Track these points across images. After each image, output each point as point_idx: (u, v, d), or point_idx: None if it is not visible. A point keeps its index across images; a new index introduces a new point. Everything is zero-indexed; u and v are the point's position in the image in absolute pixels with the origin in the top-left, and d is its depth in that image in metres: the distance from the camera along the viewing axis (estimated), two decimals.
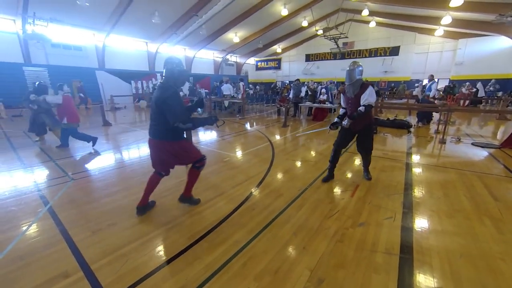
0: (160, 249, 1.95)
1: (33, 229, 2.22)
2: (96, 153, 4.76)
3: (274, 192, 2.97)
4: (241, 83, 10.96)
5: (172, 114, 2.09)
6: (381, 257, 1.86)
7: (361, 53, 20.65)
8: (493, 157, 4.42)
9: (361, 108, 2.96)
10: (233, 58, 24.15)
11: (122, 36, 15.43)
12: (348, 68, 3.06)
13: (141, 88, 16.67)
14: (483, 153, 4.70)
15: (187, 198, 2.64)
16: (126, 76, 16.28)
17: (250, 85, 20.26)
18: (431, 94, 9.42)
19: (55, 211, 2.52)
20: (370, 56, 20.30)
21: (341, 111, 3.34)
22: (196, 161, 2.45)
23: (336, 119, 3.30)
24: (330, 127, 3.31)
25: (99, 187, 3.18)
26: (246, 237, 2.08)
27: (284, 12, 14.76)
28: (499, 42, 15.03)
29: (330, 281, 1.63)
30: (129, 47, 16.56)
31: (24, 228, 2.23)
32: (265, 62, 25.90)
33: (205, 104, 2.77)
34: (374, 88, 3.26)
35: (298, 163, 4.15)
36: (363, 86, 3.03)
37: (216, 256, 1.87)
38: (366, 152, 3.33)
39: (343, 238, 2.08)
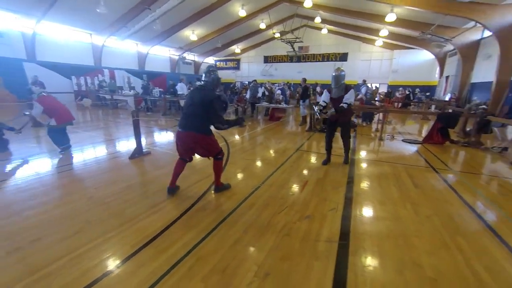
0: (97, 262, 1.77)
1: None
2: (22, 159, 4.08)
3: (227, 191, 2.97)
4: (198, 83, 10.66)
5: (216, 116, 2.55)
6: (323, 246, 2.02)
7: (315, 57, 22.06)
8: (417, 152, 5.20)
9: (344, 105, 3.70)
10: (190, 57, 23.34)
11: (58, 24, 13.53)
12: (334, 74, 3.78)
13: (85, 85, 14.89)
14: (410, 148, 5.49)
15: (219, 187, 2.96)
16: (66, 70, 14.33)
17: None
18: (359, 96, 10.80)
19: None
20: (323, 60, 21.84)
21: (322, 103, 4.01)
22: (217, 153, 2.79)
23: (321, 107, 4.04)
24: (321, 112, 4.17)
25: (21, 199, 2.71)
26: (195, 239, 2.04)
27: (242, 13, 14.86)
28: (423, 55, 17.79)
29: (275, 273, 1.71)
30: (69, 38, 14.60)
31: None
32: (224, 62, 25.70)
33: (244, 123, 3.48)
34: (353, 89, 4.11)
35: (253, 162, 4.23)
36: (347, 88, 3.81)
37: (162, 261, 1.78)
38: (346, 138, 4.15)
39: (290, 232, 2.19)
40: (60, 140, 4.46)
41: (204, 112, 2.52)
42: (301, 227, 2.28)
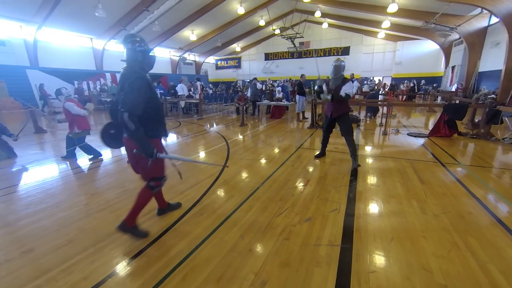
0: (87, 274, 1.70)
1: None
2: (22, 166, 4.07)
3: (225, 194, 2.89)
4: (198, 83, 10.60)
5: (125, 99, 1.69)
6: (324, 250, 1.92)
7: (316, 52, 21.77)
8: (423, 145, 5.02)
9: (342, 93, 3.55)
10: (191, 57, 23.30)
11: (59, 30, 13.62)
12: (334, 64, 3.66)
13: (87, 90, 14.99)
14: (415, 142, 5.31)
15: (128, 227, 2.01)
16: (68, 76, 14.44)
17: (210, 85, 19.79)
18: (354, 91, 10.63)
19: None
20: (324, 55, 21.55)
21: (317, 88, 3.91)
22: (153, 178, 2.04)
23: (316, 90, 3.92)
24: (317, 94, 3.93)
25: (18, 208, 2.69)
26: (189, 246, 1.96)
27: (241, 10, 14.71)
28: (427, 45, 17.34)
29: (273, 282, 1.62)
30: (70, 43, 14.70)
31: None
32: (225, 61, 25.62)
33: None
34: (352, 82, 3.87)
35: (253, 162, 4.13)
36: (344, 80, 3.63)
37: (154, 271, 1.71)
38: (347, 134, 3.75)
39: (289, 236, 2.10)
40: (90, 149, 4.36)
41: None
42: (301, 230, 2.18)
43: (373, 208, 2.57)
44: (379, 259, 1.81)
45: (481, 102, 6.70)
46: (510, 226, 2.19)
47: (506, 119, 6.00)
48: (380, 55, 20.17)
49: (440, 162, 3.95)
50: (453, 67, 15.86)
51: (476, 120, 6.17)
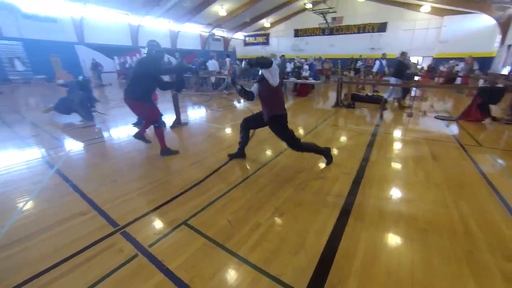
0: (157, 197, 2.40)
1: (46, 186, 2.61)
2: (91, 125, 5.02)
3: (253, 156, 3.45)
4: (227, 59, 10.98)
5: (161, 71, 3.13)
6: (332, 198, 2.40)
7: (349, 29, 20.54)
8: (447, 128, 5.04)
9: (236, 82, 2.77)
10: (220, 33, 23.39)
11: (101, 7, 14.58)
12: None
13: (123, 64, 16.17)
14: (441, 125, 5.31)
15: (164, 151, 3.40)
16: (109, 51, 15.69)
17: (237, 61, 19.96)
18: (375, 70, 10.41)
19: (64, 172, 2.90)
20: (358, 32, 20.26)
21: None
22: (154, 121, 3.25)
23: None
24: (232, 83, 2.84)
25: (108, 152, 3.54)
26: (227, 187, 2.58)
27: None
28: (480, 20, 15.41)
29: (288, 214, 2.16)
30: (109, 20, 15.71)
31: (39, 186, 2.62)
32: (253, 37, 25.26)
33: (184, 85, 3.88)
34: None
35: None
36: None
37: (202, 199, 2.35)
38: (291, 147, 2.90)
39: (305, 187, 2.60)
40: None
41: (140, 81, 3.02)
42: (315, 184, 2.67)
43: (381, 174, 2.94)
44: (376, 208, 2.25)
45: None
46: (503, 195, 2.46)
47: None
48: (422, 32, 18.40)
49: (458, 143, 4.06)
50: (509, 46, 14.10)
51: None
